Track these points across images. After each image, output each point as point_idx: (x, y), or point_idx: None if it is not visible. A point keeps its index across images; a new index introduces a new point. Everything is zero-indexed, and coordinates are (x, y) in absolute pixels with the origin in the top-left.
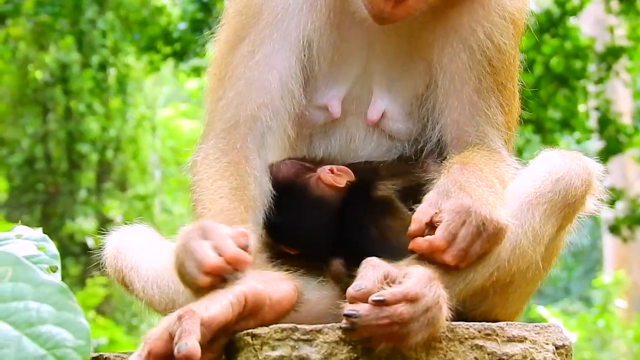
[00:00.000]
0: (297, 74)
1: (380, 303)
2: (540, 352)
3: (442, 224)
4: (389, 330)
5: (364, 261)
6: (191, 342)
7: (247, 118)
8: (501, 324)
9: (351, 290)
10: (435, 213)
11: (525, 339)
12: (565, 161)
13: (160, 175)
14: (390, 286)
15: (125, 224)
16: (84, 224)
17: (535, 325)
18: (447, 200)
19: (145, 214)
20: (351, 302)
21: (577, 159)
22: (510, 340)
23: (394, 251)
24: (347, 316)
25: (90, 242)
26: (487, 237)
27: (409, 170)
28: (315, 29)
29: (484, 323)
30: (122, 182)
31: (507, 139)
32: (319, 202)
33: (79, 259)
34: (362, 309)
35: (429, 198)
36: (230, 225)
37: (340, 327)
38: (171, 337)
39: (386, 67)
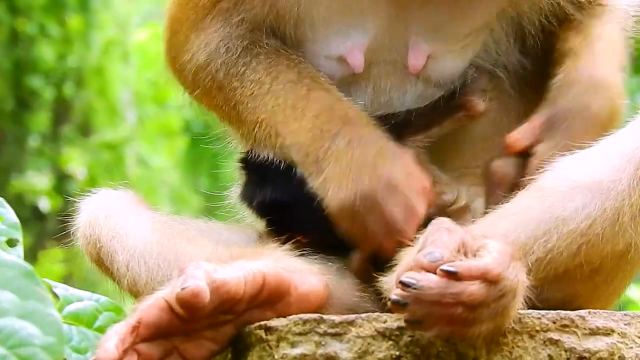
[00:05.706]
0: None
1: (451, 275)
2: (631, 347)
3: None
4: (450, 311)
5: (433, 221)
6: (199, 283)
7: None
8: (582, 312)
9: (423, 258)
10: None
11: (613, 331)
12: None
13: (135, 117)
14: (464, 257)
15: (91, 179)
16: (35, 180)
17: (625, 314)
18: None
19: (116, 167)
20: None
21: None
22: (594, 332)
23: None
24: (404, 284)
25: (44, 204)
26: None
27: (447, 116)
28: None
29: (560, 312)
30: (84, 126)
31: None
32: None
33: (29, 226)
34: (424, 278)
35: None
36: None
37: (389, 299)
38: (169, 305)
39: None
